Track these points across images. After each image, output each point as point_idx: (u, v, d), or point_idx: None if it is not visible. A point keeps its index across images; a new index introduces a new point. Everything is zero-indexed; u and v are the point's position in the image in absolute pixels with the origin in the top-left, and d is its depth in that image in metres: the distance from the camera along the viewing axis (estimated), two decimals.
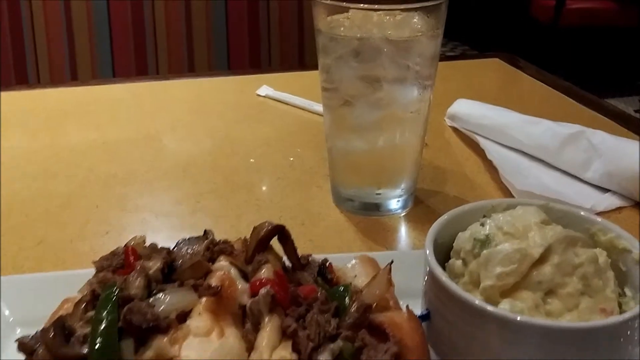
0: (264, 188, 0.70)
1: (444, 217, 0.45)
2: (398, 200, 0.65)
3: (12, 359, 0.42)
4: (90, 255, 0.58)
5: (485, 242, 0.40)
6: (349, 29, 0.58)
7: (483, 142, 0.78)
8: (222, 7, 1.53)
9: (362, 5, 0.57)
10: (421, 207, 0.67)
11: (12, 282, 0.49)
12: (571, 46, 3.37)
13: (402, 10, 0.57)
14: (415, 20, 0.58)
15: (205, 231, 0.43)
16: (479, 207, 0.45)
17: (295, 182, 0.72)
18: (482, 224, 0.42)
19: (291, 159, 0.77)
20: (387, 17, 0.59)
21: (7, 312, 0.46)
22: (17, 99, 0.93)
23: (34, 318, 0.44)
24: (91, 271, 0.45)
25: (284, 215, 0.65)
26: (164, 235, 0.60)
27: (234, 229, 0.62)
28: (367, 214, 0.65)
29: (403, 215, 0.65)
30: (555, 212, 0.44)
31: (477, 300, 0.36)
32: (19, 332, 0.45)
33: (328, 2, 0.59)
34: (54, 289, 0.46)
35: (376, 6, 0.58)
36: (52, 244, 0.59)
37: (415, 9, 0.58)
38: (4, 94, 0.95)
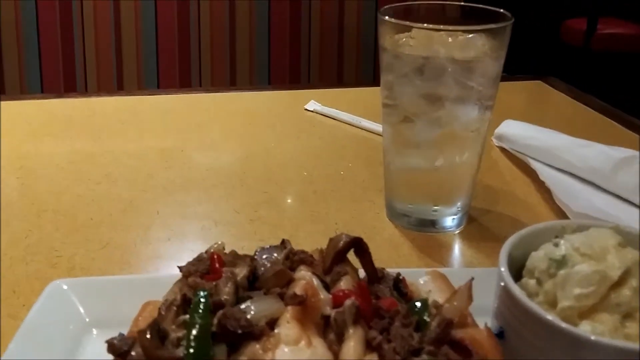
0: (318, 200, 0.71)
1: (515, 236, 0.45)
2: (453, 218, 0.66)
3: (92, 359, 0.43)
4: (154, 259, 0.60)
5: (561, 262, 0.41)
6: (415, 48, 0.59)
7: (534, 164, 0.78)
8: (264, 24, 1.57)
9: (429, 25, 0.58)
10: (475, 225, 0.67)
11: (85, 284, 0.50)
12: (602, 71, 3.36)
13: (469, 31, 0.58)
14: (480, 41, 0.59)
15: (283, 240, 0.44)
16: (550, 228, 0.46)
17: (348, 195, 0.73)
18: (556, 244, 0.43)
19: (342, 172, 0.78)
20: (450, 38, 0.60)
21: (82, 312, 0.48)
22: (74, 106, 0.96)
23: (109, 320, 0.46)
24: (166, 275, 0.47)
25: (340, 228, 0.66)
26: (226, 244, 0.62)
27: (293, 239, 0.62)
28: (422, 230, 0.65)
29: (457, 233, 0.66)
30: (625, 234, 0.44)
31: (561, 321, 0.37)
32: (95, 334, 0.46)
33: (395, 20, 0.60)
34: (126, 292, 0.48)
35: (442, 27, 0.59)
36: (117, 247, 0.60)
37: (481, 31, 0.59)
38: (62, 100, 0.97)
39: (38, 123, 0.89)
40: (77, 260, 0.58)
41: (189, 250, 0.60)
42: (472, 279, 0.40)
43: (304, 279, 0.39)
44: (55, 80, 1.55)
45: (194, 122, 0.92)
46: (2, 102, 0.97)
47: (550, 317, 0.38)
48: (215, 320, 0.34)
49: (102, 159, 0.78)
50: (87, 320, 0.47)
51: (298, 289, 0.38)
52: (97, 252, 0.59)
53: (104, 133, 0.86)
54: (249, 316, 0.35)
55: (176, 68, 1.53)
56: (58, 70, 1.51)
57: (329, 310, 0.38)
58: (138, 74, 1.53)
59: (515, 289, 0.40)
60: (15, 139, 0.84)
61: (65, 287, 0.48)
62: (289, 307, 0.36)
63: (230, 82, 1.57)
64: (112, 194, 0.70)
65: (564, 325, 0.37)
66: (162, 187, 0.72)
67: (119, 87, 1.56)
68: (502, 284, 0.41)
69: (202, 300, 0.36)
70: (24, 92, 1.68)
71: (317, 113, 0.96)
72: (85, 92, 1.48)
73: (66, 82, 1.52)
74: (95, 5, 1.61)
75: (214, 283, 0.38)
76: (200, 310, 0.35)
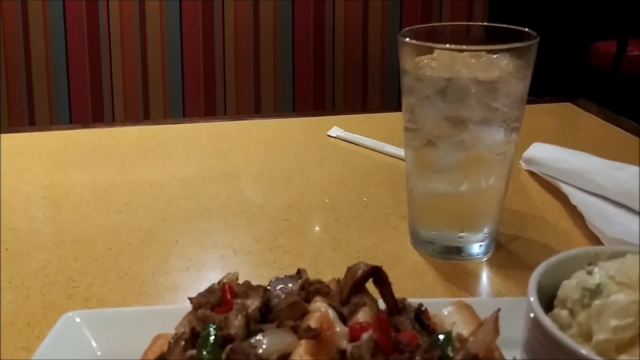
0: (340, 227, 0.70)
1: (546, 263, 0.43)
2: (480, 245, 0.63)
3: None
4: (171, 290, 0.58)
5: (596, 292, 0.38)
6: (437, 70, 0.58)
7: (565, 187, 0.75)
8: (289, 52, 1.58)
9: (451, 46, 0.56)
10: (503, 252, 0.65)
11: (98, 316, 0.49)
12: (632, 93, 3.29)
13: (492, 51, 0.57)
14: (504, 61, 0.57)
15: (298, 270, 0.42)
16: (582, 254, 0.43)
17: (371, 222, 0.71)
18: (590, 272, 0.40)
19: (365, 199, 0.76)
20: (474, 59, 0.58)
21: (95, 346, 0.46)
22: (100, 136, 0.96)
23: (122, 353, 0.45)
24: (178, 307, 0.45)
25: (362, 256, 0.64)
26: (244, 273, 0.60)
27: (313, 268, 0.61)
28: (447, 258, 0.63)
29: (485, 260, 0.63)
30: None
31: (597, 356, 0.34)
32: None
33: (415, 42, 0.59)
34: (140, 324, 0.46)
35: (464, 47, 0.58)
36: (135, 278, 0.59)
37: (505, 50, 0.57)
38: (88, 130, 0.98)
39: (64, 153, 0.89)
40: (94, 291, 0.57)
41: (207, 281, 0.58)
42: (499, 310, 0.38)
43: (319, 310, 0.37)
44: (84, 111, 1.58)
45: (217, 150, 0.92)
46: (30, 134, 0.98)
47: (585, 351, 0.35)
48: (223, 356, 0.33)
49: (123, 188, 0.78)
50: (99, 353, 0.46)
51: (312, 321, 0.36)
52: (115, 283, 0.58)
53: (127, 162, 0.86)
54: (259, 351, 0.33)
55: (201, 97, 1.55)
56: (86, 101, 1.54)
57: (345, 344, 0.35)
58: (164, 103, 1.55)
59: (547, 320, 0.37)
60: (41, 169, 0.84)
61: (78, 319, 0.47)
62: (303, 341, 0.35)
63: (255, 109, 1.57)
64: (131, 223, 0.69)
65: (600, 359, 0.34)
66: (182, 216, 0.71)
67: (145, 116, 1.58)
68: (532, 315, 0.39)
69: (211, 334, 0.34)
70: (52, 123, 1.71)
71: (339, 139, 0.94)
72: (112, 122, 1.50)
73: (94, 113, 1.55)
74: (123, 38, 1.65)
75: (224, 316, 0.36)
76: (209, 345, 0.33)
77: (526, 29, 0.60)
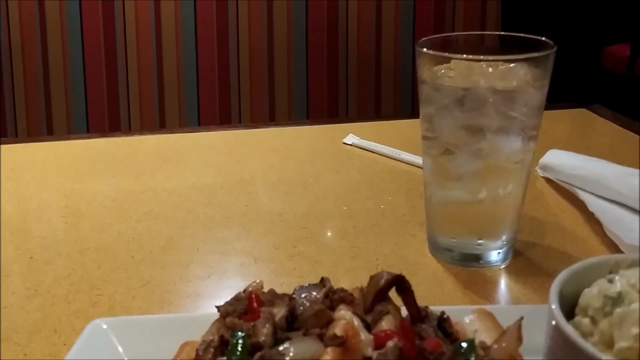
0: (358, 235, 0.70)
1: (566, 272, 0.43)
2: (499, 252, 0.63)
3: None
4: (193, 297, 0.59)
5: (617, 300, 0.38)
6: (455, 79, 0.58)
7: (582, 194, 0.76)
8: (302, 60, 1.59)
9: (469, 56, 0.57)
10: (521, 260, 0.65)
11: (124, 323, 0.50)
12: None
13: (510, 61, 0.57)
14: (522, 70, 0.58)
15: (322, 278, 0.43)
16: (603, 263, 0.43)
17: (389, 229, 0.71)
18: (611, 281, 0.40)
19: (382, 206, 0.77)
20: (491, 68, 0.59)
21: (121, 352, 0.47)
22: (118, 145, 0.97)
23: (148, 359, 0.45)
24: (204, 315, 0.46)
25: (381, 264, 0.64)
26: (265, 280, 0.61)
27: (332, 275, 0.61)
28: (466, 265, 0.63)
29: (503, 267, 0.63)
30: None
31: None
32: None
33: (433, 52, 0.59)
34: (166, 331, 0.47)
35: (482, 57, 0.58)
36: (157, 285, 0.60)
37: (523, 60, 0.57)
38: (105, 139, 1.00)
39: (83, 162, 0.91)
40: (118, 299, 0.58)
41: (229, 288, 0.59)
42: (522, 318, 0.38)
43: (344, 318, 0.38)
44: (101, 120, 1.60)
45: (234, 158, 0.93)
46: (49, 143, 1.00)
47: (607, 358, 0.35)
48: None
49: (143, 197, 0.79)
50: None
51: (338, 329, 0.37)
52: (138, 291, 0.59)
53: (145, 171, 0.88)
54: (287, 358, 0.34)
55: (216, 105, 1.56)
56: (103, 110, 1.56)
57: (370, 352, 0.36)
58: (180, 111, 1.57)
59: (569, 328, 0.37)
60: (61, 178, 0.86)
61: (105, 326, 0.48)
62: (329, 349, 0.35)
63: (269, 117, 1.59)
64: (152, 231, 0.70)
65: None
66: (202, 224, 0.72)
67: (161, 125, 1.60)
68: (554, 322, 0.39)
69: (240, 341, 0.35)
70: (70, 132, 1.74)
71: (355, 146, 0.95)
72: (128, 131, 1.51)
73: (110, 122, 1.57)
74: (139, 48, 1.67)
75: (252, 324, 0.37)
76: (238, 353, 0.34)
77: (543, 38, 0.60)
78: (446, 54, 0.59)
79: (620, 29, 3.21)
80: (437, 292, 0.60)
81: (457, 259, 0.63)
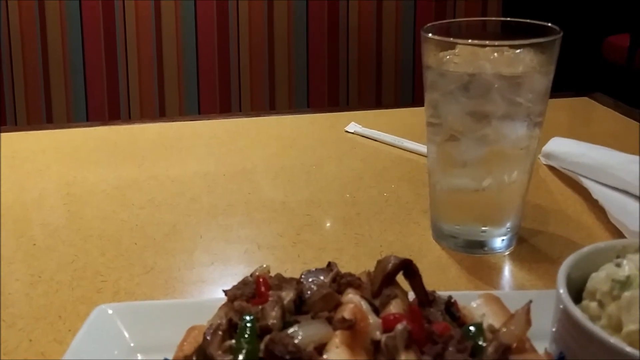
0: (362, 222, 0.70)
1: (574, 256, 0.43)
2: (503, 239, 0.63)
3: None
4: (198, 284, 0.59)
5: (625, 283, 0.38)
6: (460, 65, 0.58)
7: (585, 182, 0.76)
8: (303, 48, 1.58)
9: (475, 41, 0.57)
10: (525, 246, 0.65)
11: (130, 309, 0.50)
12: None
13: (515, 46, 0.57)
14: (528, 56, 0.57)
15: (329, 263, 0.43)
16: (610, 247, 0.43)
17: (393, 217, 0.71)
18: (618, 265, 0.40)
19: (385, 194, 0.77)
20: (497, 54, 0.59)
21: (127, 337, 0.47)
22: (119, 133, 0.97)
23: (154, 345, 0.45)
24: (209, 300, 0.46)
25: (385, 250, 0.64)
26: (270, 267, 0.61)
27: (337, 262, 0.61)
28: (470, 252, 0.63)
29: (507, 254, 0.63)
30: None
31: (627, 346, 0.34)
32: (140, 359, 0.46)
33: (439, 37, 0.59)
34: (171, 316, 0.47)
35: (487, 42, 0.58)
36: (161, 272, 0.60)
37: (529, 45, 0.57)
38: (106, 128, 0.99)
39: (84, 150, 0.90)
40: (122, 285, 0.58)
41: (233, 275, 0.59)
42: (530, 301, 0.38)
43: (352, 302, 0.38)
44: (100, 109, 1.60)
45: (236, 147, 0.92)
46: (49, 131, 0.99)
47: (615, 341, 0.35)
48: (262, 346, 0.33)
49: (145, 185, 0.79)
50: (132, 345, 0.47)
51: (347, 312, 0.36)
52: (142, 277, 0.59)
53: (147, 159, 0.87)
54: (296, 341, 0.34)
55: (216, 94, 1.56)
56: (103, 99, 1.55)
57: (379, 335, 0.36)
58: (180, 100, 1.56)
59: (577, 312, 0.37)
60: (63, 166, 0.85)
61: (110, 311, 0.48)
62: (338, 332, 0.35)
63: (270, 106, 1.58)
64: (155, 218, 0.70)
65: (629, 349, 0.35)
66: (205, 212, 0.72)
67: (160, 113, 1.59)
68: (562, 306, 0.39)
69: (249, 325, 0.35)
70: (70, 121, 1.73)
71: (357, 135, 0.95)
72: (129, 119, 1.51)
73: (110, 110, 1.56)
74: (138, 36, 1.66)
75: (260, 307, 0.37)
76: (247, 335, 0.34)
77: (549, 24, 0.60)
78: (452, 39, 0.58)
79: (621, 19, 3.20)
80: (442, 279, 0.60)
81: (461, 246, 0.63)
